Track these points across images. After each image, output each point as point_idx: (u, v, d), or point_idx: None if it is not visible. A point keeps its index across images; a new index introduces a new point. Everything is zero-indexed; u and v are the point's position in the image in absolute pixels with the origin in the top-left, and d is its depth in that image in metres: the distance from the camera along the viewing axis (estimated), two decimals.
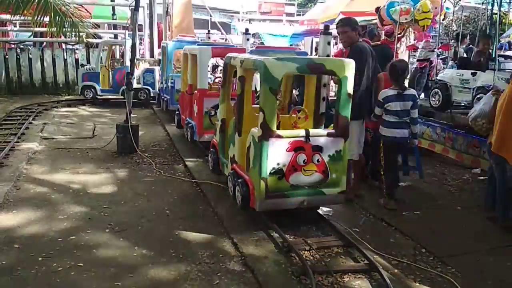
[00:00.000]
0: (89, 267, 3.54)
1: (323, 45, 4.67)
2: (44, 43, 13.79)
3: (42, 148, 7.11)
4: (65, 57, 13.31)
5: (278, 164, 4.02)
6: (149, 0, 13.06)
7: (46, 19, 9.41)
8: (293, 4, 29.80)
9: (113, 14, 13.92)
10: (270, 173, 4.01)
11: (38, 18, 9.32)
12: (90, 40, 11.55)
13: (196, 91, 6.67)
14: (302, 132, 4.09)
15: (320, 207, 4.62)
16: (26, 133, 7.95)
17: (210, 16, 21.99)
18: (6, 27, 13.42)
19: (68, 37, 10.71)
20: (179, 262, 3.65)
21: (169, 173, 5.99)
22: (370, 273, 3.49)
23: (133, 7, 7.08)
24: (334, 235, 4.10)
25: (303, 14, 26.47)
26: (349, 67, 4.11)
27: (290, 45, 15.35)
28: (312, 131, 4.16)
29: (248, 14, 27.21)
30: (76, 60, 12.91)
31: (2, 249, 3.80)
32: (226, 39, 18.62)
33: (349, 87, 4.12)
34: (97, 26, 12.88)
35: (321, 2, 25.93)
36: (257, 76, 5.43)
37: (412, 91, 4.83)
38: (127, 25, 13.34)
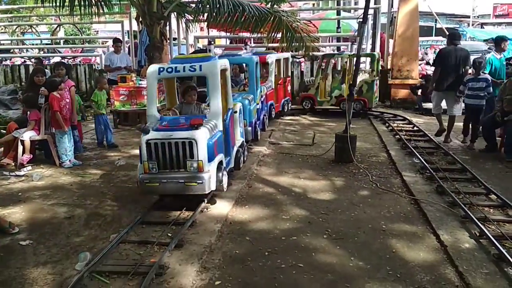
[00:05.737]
0: (309, 269, 3.72)
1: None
2: None
3: (270, 152, 7.86)
4: (292, 69, 14.40)
5: None
6: (373, 11, 13.07)
7: (278, 35, 10.46)
8: None
9: (338, 27, 14.40)
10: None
11: (272, 34, 10.45)
12: (315, 53, 12.25)
13: None
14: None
15: None
16: (258, 138, 8.90)
17: (436, 22, 20.67)
18: (246, 43, 15.31)
19: (295, 51, 11.59)
20: (396, 282, 3.52)
21: (386, 186, 5.87)
22: None
23: (361, 20, 7.18)
24: None
25: None
26: None
27: None
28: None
29: (480, 18, 24.56)
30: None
31: (236, 239, 4.33)
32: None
33: None
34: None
35: None
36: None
37: (485, 75, 7.79)
38: (350, 37, 13.70)
